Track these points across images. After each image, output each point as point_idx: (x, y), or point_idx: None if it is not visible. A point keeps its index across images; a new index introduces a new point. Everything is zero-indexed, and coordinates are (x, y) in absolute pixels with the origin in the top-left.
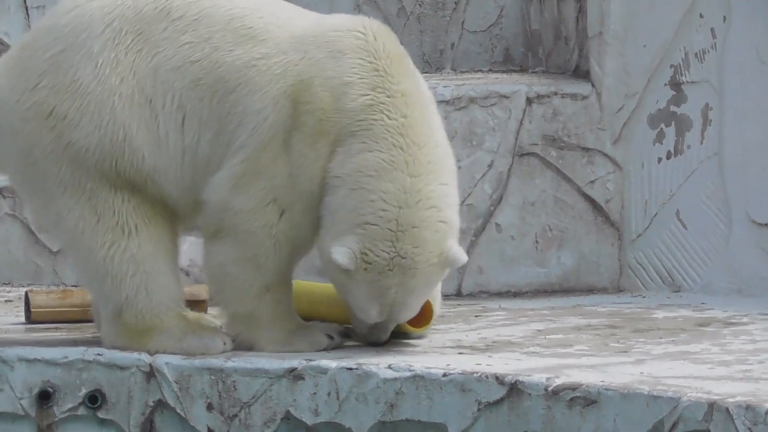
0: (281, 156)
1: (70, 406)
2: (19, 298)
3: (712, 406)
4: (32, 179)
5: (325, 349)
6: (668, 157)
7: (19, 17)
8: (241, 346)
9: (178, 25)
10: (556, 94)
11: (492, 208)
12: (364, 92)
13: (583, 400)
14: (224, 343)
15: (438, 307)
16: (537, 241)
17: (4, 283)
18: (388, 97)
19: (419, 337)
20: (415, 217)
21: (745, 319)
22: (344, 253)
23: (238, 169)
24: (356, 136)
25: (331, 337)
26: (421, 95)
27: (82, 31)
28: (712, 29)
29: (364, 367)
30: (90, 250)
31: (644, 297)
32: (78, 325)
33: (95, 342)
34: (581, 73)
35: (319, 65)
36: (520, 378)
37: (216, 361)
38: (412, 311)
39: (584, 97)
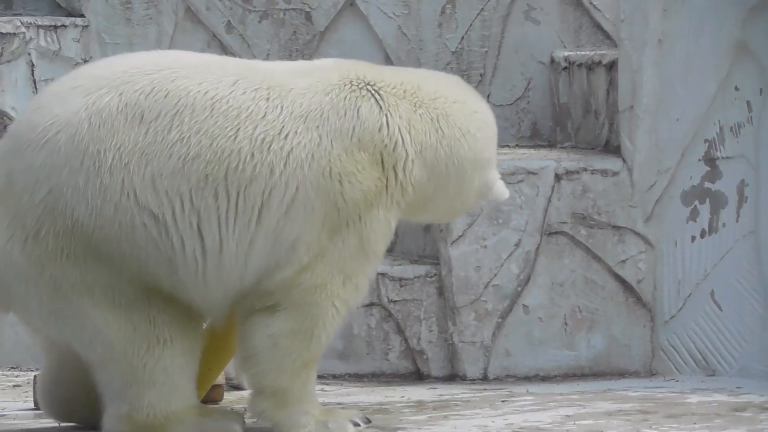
0: (340, 231)
1: None
2: (28, 383)
3: None
4: (63, 311)
5: None
6: (702, 236)
7: (26, 91)
8: (263, 424)
9: (158, 125)
10: (585, 170)
11: (519, 289)
12: (396, 125)
13: None
14: (242, 425)
15: None
16: (566, 323)
17: (12, 367)
18: (409, 129)
19: None
20: None
21: None
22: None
23: (304, 259)
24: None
25: (357, 424)
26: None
27: (61, 167)
28: (747, 102)
29: None
30: (124, 355)
31: (677, 381)
32: None
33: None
34: (612, 148)
35: (344, 131)
36: None
37: None
38: None
39: (615, 173)
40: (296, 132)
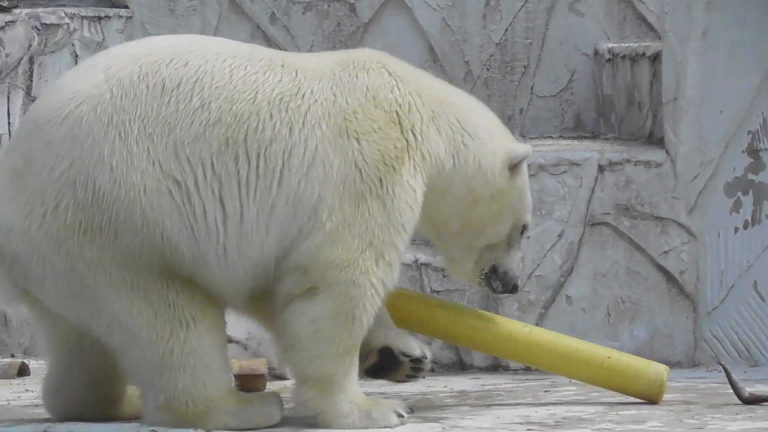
0: (365, 196)
1: None
2: None
3: None
4: (79, 292)
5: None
6: (745, 227)
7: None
8: (307, 414)
9: (179, 93)
10: (629, 161)
11: (562, 280)
12: (404, 86)
13: None
14: (281, 408)
15: None
16: (609, 314)
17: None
18: (414, 85)
19: None
20: None
21: None
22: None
23: (329, 224)
24: (433, 117)
25: (400, 415)
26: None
27: (84, 139)
28: None
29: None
30: (149, 342)
31: (720, 371)
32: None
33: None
34: (655, 139)
35: (359, 90)
36: None
37: None
38: None
39: (658, 165)
40: (312, 92)
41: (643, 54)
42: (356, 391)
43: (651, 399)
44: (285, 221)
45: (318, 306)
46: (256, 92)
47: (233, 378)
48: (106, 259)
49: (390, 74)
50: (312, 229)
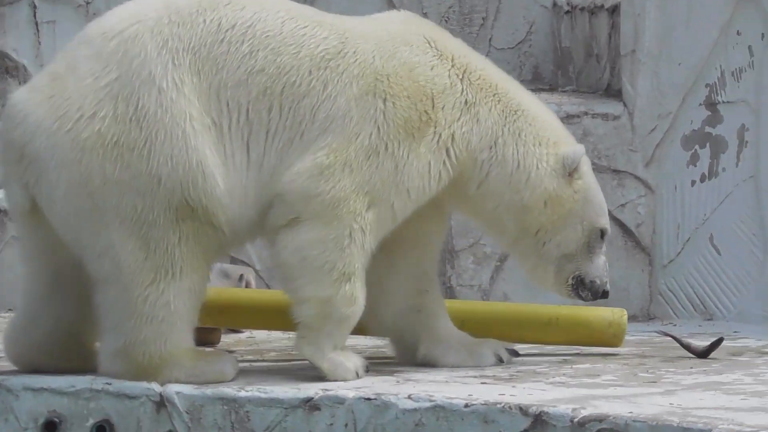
0: (377, 153)
1: None
2: None
3: None
4: (85, 209)
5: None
6: (702, 180)
7: (28, 33)
8: (300, 353)
9: (232, 35)
10: (586, 113)
11: None
12: (447, 71)
13: (611, 431)
14: (235, 368)
15: None
16: None
17: (10, 309)
18: (459, 68)
19: None
20: None
21: None
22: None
23: (323, 159)
24: (471, 107)
25: (367, 369)
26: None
27: (135, 56)
28: (749, 47)
29: (382, 397)
30: (130, 282)
31: (675, 325)
32: None
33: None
34: (613, 92)
35: (398, 58)
36: (545, 409)
37: (229, 391)
38: None
39: (616, 118)
40: (354, 52)
41: (602, 6)
42: (347, 329)
43: (613, 344)
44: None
45: (302, 233)
46: (301, 46)
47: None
48: (126, 179)
49: (434, 52)
50: (304, 158)
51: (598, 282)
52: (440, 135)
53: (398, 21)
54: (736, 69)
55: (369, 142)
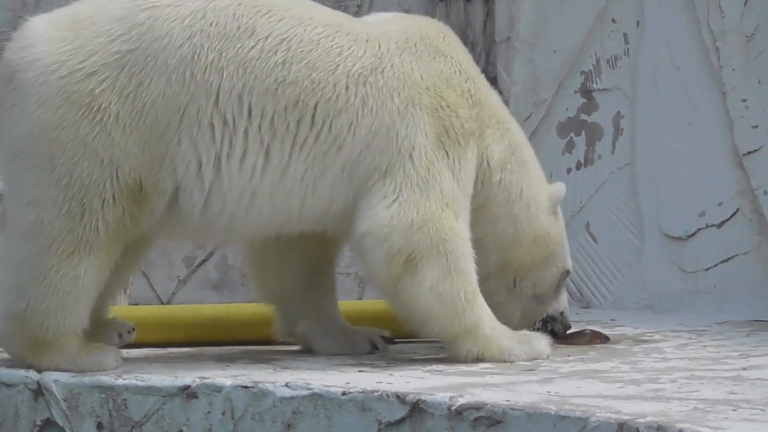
0: (434, 163)
1: None
2: None
3: (622, 426)
4: (39, 154)
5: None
6: (578, 168)
7: None
8: (471, 360)
9: (265, 44)
10: None
11: None
12: (478, 86)
13: (488, 420)
14: (117, 360)
15: None
16: None
17: None
18: (481, 100)
19: None
20: None
21: (656, 336)
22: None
23: (387, 189)
24: (492, 126)
25: (550, 344)
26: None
27: (159, 38)
28: (624, 34)
29: (260, 385)
30: (46, 249)
31: None
32: None
33: None
34: (488, 79)
35: (434, 70)
36: (423, 397)
37: (106, 379)
38: None
39: None
40: (392, 65)
41: None
42: (502, 326)
43: None
44: (338, 186)
45: (428, 273)
46: (338, 65)
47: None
48: (97, 145)
49: (461, 70)
50: (366, 195)
51: (566, 313)
52: (477, 144)
53: (425, 26)
54: (611, 56)
55: (426, 156)
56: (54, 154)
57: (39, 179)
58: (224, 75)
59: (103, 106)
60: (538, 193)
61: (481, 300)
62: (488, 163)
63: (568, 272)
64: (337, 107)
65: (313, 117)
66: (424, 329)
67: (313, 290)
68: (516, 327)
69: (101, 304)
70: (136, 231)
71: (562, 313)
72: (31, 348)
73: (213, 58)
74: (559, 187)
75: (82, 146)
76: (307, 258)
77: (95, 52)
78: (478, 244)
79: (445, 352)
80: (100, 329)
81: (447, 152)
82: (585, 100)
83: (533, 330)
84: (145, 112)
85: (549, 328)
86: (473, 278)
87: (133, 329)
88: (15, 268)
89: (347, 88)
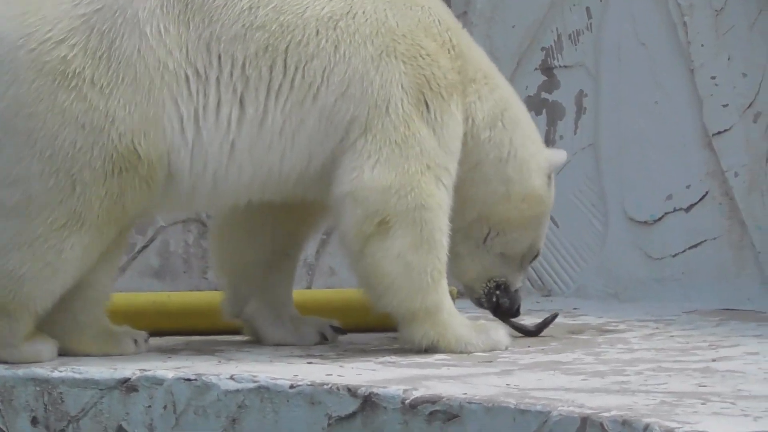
0: (413, 119)
1: None
2: None
3: (585, 420)
4: (17, 131)
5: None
6: None
7: None
8: (426, 345)
9: None
10: None
11: None
12: (460, 38)
13: (444, 414)
14: (53, 354)
15: None
16: None
17: None
18: (463, 55)
19: None
20: None
21: (621, 326)
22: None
23: (369, 146)
24: (478, 81)
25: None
26: None
27: None
28: (587, 8)
29: (203, 377)
30: (34, 219)
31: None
32: None
33: None
34: None
35: (411, 18)
36: (375, 390)
37: (41, 371)
38: None
39: None
40: (364, 12)
41: None
42: (460, 315)
43: None
44: (315, 138)
45: (398, 239)
46: (306, 8)
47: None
48: (76, 112)
49: (440, 20)
50: (349, 152)
51: (518, 294)
52: (462, 99)
53: None
54: (573, 32)
55: (403, 110)
56: (33, 128)
57: (19, 156)
58: (191, 26)
59: (77, 71)
60: (533, 154)
61: (445, 282)
62: (473, 120)
63: (538, 254)
64: (309, 52)
65: (285, 62)
66: (383, 299)
67: (273, 272)
68: (469, 283)
69: (99, 307)
70: (136, 207)
71: (516, 291)
72: None
73: (179, 9)
74: (560, 153)
75: (61, 115)
76: (277, 236)
77: (61, 19)
78: (465, 199)
79: (399, 333)
80: (112, 337)
81: (428, 106)
82: (546, 78)
83: (480, 296)
84: (121, 71)
85: (494, 300)
86: (444, 256)
87: (149, 338)
88: (5, 226)
89: (317, 32)
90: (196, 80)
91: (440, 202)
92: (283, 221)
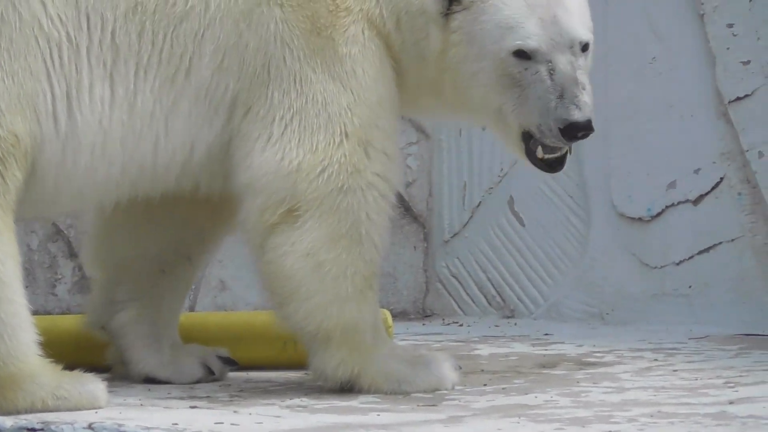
0: (306, 78)
1: None
2: None
3: None
4: None
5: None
6: None
7: None
8: (343, 379)
9: None
10: None
11: None
12: None
13: None
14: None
15: None
16: None
17: None
18: None
19: None
20: None
21: (608, 358)
22: None
23: (259, 124)
24: None
25: (459, 367)
26: None
27: None
28: None
29: (52, 426)
30: None
31: (461, 325)
32: None
33: None
34: None
35: None
36: None
37: None
38: None
39: None
40: None
41: None
42: (392, 341)
43: None
44: (195, 123)
45: (309, 232)
46: None
47: None
48: None
49: None
50: (237, 136)
51: (552, 125)
52: (362, 24)
53: None
54: None
55: (294, 69)
56: None
57: None
58: None
59: None
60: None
61: (374, 295)
62: (398, 17)
63: (518, 51)
64: (176, 12)
65: (153, 27)
66: (285, 309)
67: (164, 277)
68: (510, 147)
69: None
70: (18, 200)
71: (541, 130)
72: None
73: None
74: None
75: None
76: (179, 232)
77: None
78: (464, 95)
79: (309, 361)
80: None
81: (323, 53)
82: None
83: (521, 148)
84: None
85: (534, 157)
86: (374, 257)
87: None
88: None
89: None
90: (68, 48)
91: (371, 180)
92: (191, 215)
